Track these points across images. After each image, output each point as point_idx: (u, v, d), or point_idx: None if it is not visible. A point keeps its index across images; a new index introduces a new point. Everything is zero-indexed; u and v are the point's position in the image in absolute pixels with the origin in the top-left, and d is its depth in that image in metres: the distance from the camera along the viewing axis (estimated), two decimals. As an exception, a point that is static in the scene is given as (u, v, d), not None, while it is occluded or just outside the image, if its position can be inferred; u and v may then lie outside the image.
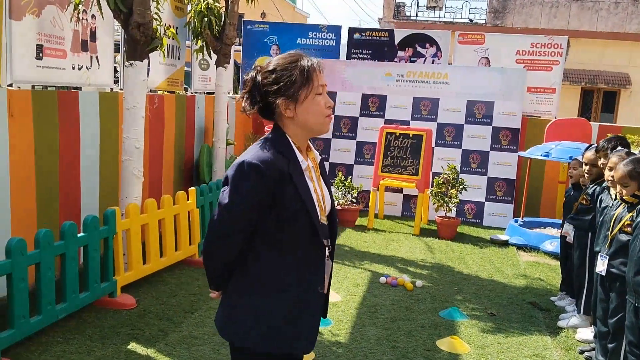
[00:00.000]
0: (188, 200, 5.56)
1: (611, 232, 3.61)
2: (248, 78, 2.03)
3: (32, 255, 3.61)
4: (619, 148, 3.88)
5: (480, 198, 8.46)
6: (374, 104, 8.94)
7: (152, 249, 4.94)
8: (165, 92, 7.28)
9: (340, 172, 8.34)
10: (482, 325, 4.61)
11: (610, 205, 3.85)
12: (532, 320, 4.81)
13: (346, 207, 7.72)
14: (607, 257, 3.58)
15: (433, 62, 9.24)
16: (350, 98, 8.98)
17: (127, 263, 4.71)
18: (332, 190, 7.94)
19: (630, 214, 3.49)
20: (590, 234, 4.50)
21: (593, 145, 4.61)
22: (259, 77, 1.99)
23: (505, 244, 7.27)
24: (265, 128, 8.73)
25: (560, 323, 4.68)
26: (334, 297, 4.95)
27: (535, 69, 8.88)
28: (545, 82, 8.87)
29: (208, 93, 8.05)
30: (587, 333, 4.41)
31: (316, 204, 2.00)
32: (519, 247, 7.14)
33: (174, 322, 4.24)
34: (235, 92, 10.29)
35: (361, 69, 9.03)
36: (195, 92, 7.82)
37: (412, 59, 9.30)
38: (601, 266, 3.62)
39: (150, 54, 5.80)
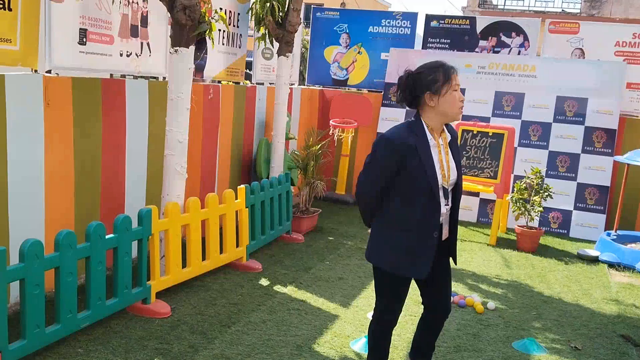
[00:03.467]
0: (237, 199, 5.15)
1: None
2: (402, 77, 2.80)
3: (50, 259, 3.28)
4: None
5: (568, 206, 7.56)
6: (450, 99, 8.19)
7: (192, 251, 4.55)
8: (231, 82, 6.93)
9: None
10: (563, 363, 3.90)
11: None
12: (623, 358, 4.03)
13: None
14: None
15: (519, 53, 8.37)
16: (425, 91, 8.26)
17: (164, 266, 4.35)
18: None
19: None
20: None
21: None
22: (410, 78, 2.78)
23: (594, 260, 6.39)
24: (331, 122, 8.22)
25: (662, 368, 3.88)
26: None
27: (637, 63, 7.82)
28: (649, 77, 7.80)
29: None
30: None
31: (439, 171, 2.78)
32: (611, 265, 6.25)
33: (207, 338, 3.82)
34: (302, 83, 9.83)
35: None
36: (257, 83, 7.42)
37: (495, 49, 8.47)
38: None
39: (208, 42, 5.44)
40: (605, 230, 7.29)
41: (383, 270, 2.89)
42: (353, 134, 8.37)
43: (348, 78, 9.00)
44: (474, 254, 6.30)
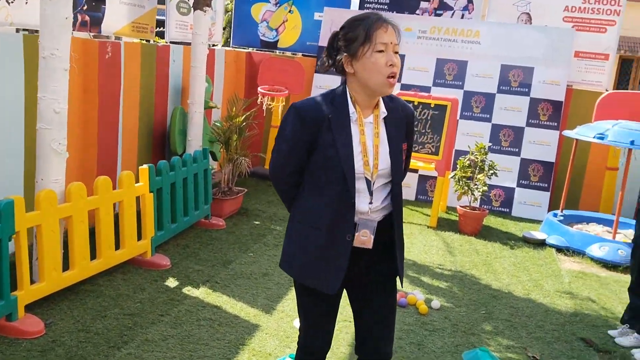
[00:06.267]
0: (139, 182, 4.27)
1: None
2: (331, 35, 2.16)
3: None
4: None
5: (511, 183, 7.09)
6: (389, 65, 7.49)
7: (77, 250, 3.66)
8: (143, 41, 5.93)
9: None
10: (521, 378, 3.34)
11: None
12: (588, 369, 3.52)
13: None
14: None
15: (463, 17, 7.74)
16: (362, 57, 7.51)
17: (37, 271, 3.45)
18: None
19: None
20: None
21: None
22: (337, 35, 2.14)
23: (541, 244, 5.93)
24: (259, 89, 7.36)
25: (632, 382, 3.38)
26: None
27: (586, 30, 7.35)
28: (597, 47, 7.35)
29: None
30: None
31: (358, 155, 2.10)
32: (559, 250, 5.80)
33: (87, 366, 3.00)
34: (226, 43, 8.86)
35: (376, 23, 7.55)
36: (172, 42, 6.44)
37: (437, 11, 7.80)
38: None
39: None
40: (548, 210, 6.89)
41: (297, 281, 2.26)
42: (284, 103, 7.54)
43: (278, 40, 8.11)
44: (413, 239, 5.70)
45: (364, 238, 2.15)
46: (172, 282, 4.11)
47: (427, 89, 7.27)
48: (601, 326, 4.13)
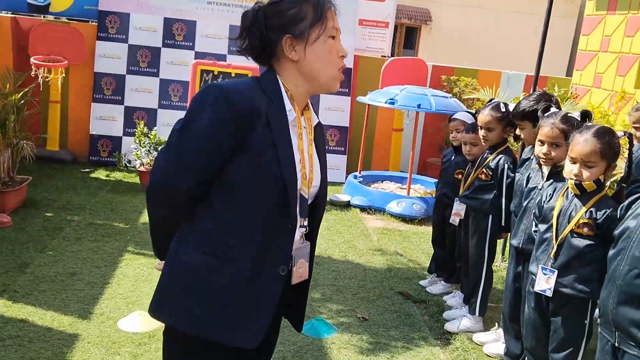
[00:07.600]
0: None
1: (556, 234, 2.59)
2: (249, 11, 1.62)
3: None
4: (557, 111, 2.86)
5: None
6: (180, 32, 7.11)
7: None
8: None
9: (142, 121, 6.51)
10: (356, 341, 3.47)
11: (541, 188, 2.87)
12: (410, 320, 3.80)
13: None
14: (556, 270, 2.57)
15: (252, -17, 7.62)
16: (149, 22, 7.00)
17: None
18: (133, 146, 6.13)
19: (587, 208, 2.50)
20: (491, 216, 3.55)
21: (492, 102, 3.59)
22: (262, 11, 1.60)
23: (347, 205, 6.25)
24: (32, 60, 6.44)
25: (449, 327, 3.72)
26: (137, 325, 3.37)
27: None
28: (378, 15, 7.84)
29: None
30: (495, 346, 3.44)
31: (298, 166, 1.60)
32: (362, 209, 6.17)
33: None
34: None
35: (163, -14, 7.08)
36: None
37: (227, -23, 7.57)
38: (545, 284, 2.59)
39: None
40: (346, 172, 7.27)
41: (182, 333, 1.60)
42: (64, 75, 6.70)
43: (49, 3, 7.12)
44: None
45: (301, 270, 1.69)
46: (-43, 300, 3.43)
47: (222, 57, 7.06)
48: (413, 278, 4.50)
